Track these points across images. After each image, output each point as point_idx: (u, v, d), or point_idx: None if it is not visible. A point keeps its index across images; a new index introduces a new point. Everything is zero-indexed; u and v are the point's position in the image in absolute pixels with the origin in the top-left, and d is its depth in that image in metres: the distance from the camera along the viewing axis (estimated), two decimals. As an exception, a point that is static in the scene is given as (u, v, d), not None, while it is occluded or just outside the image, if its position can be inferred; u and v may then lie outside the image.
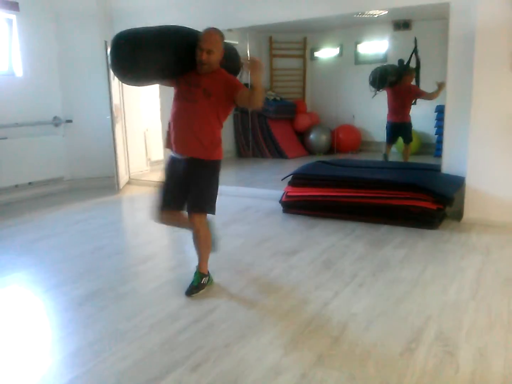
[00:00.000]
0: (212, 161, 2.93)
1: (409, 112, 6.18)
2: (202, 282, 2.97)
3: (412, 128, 6.29)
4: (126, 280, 3.24)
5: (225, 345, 2.30)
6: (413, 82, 6.41)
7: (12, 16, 5.64)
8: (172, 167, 2.97)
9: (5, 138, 5.55)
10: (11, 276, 3.35)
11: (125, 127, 6.61)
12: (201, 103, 2.82)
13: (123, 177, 6.42)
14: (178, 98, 2.90)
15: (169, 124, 2.97)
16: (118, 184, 6.20)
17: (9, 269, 3.48)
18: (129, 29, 2.72)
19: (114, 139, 6.10)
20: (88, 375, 2.10)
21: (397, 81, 6.14)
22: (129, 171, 6.80)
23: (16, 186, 5.72)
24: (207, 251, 3.02)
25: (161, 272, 3.37)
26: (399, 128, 6.22)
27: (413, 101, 6.14)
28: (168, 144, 3.02)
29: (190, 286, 2.95)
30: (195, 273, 2.99)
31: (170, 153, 2.99)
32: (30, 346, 2.39)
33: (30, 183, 5.87)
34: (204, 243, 2.97)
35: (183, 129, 2.86)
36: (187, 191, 2.88)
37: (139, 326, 2.53)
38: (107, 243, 4.02)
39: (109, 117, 5.96)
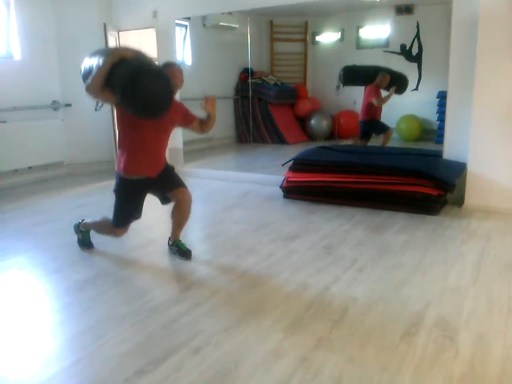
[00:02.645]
0: (167, 163, 3.27)
1: (366, 111, 6.34)
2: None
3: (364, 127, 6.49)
4: (127, 264, 3.24)
5: (225, 329, 2.31)
6: (415, 68, 6.39)
7: (10, -2, 5.58)
8: (133, 189, 3.11)
9: (4, 122, 5.52)
10: (11, 260, 3.35)
11: (124, 111, 6.57)
12: (168, 132, 3.14)
13: (123, 162, 6.40)
14: (143, 127, 2.96)
15: (128, 150, 3.02)
16: (118, 168, 6.18)
17: (9, 253, 3.48)
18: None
19: (113, 124, 6.06)
20: (89, 358, 2.10)
21: (363, 81, 6.29)
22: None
23: (16, 170, 5.70)
24: None
25: (161, 256, 3.37)
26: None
27: (372, 101, 6.22)
28: (129, 170, 3.03)
29: (186, 252, 3.26)
30: (179, 242, 3.31)
31: (126, 176, 3.05)
32: (32, 329, 2.40)
33: (29, 168, 5.85)
34: None
35: (154, 156, 3.11)
36: (144, 199, 3.23)
37: (139, 310, 2.54)
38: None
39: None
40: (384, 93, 6.29)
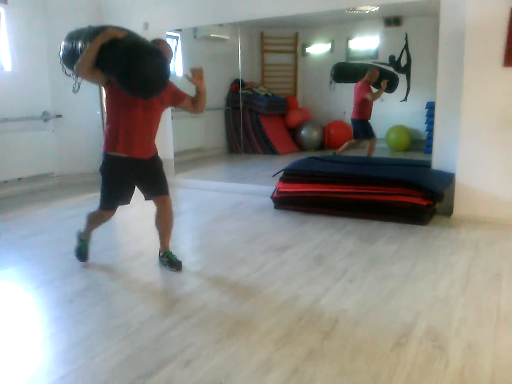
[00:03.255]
0: (157, 155, 3.21)
1: (357, 109, 6.33)
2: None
3: (360, 125, 6.49)
4: (117, 277, 3.23)
5: (216, 341, 2.30)
6: (404, 79, 6.45)
7: (0, 9, 5.58)
8: (120, 168, 3.05)
9: (-6, 133, 5.51)
10: (1, 273, 3.33)
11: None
12: (157, 111, 3.05)
13: (113, 173, 6.38)
14: (132, 105, 2.90)
15: (116, 127, 2.96)
16: (108, 179, 6.16)
17: (-1, 266, 3.46)
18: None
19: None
20: (79, 371, 2.09)
21: (354, 78, 6.33)
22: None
23: (6, 182, 5.67)
24: None
25: (151, 268, 3.36)
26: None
27: (364, 98, 6.23)
28: (116, 147, 2.98)
29: (176, 263, 3.25)
30: (169, 253, 3.30)
31: (114, 154, 3.00)
32: (21, 342, 2.37)
33: (19, 179, 5.81)
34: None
35: (142, 135, 3.02)
36: (133, 186, 3.18)
37: (130, 323, 2.52)
38: (97, 239, 3.97)
39: (99, 112, 5.93)
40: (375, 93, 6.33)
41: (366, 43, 7.55)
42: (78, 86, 3.17)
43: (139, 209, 4.84)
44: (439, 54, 4.43)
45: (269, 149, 8.30)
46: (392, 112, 6.85)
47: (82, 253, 3.43)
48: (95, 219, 3.33)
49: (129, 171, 3.07)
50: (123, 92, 2.80)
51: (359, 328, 2.41)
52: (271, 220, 4.51)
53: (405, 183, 4.23)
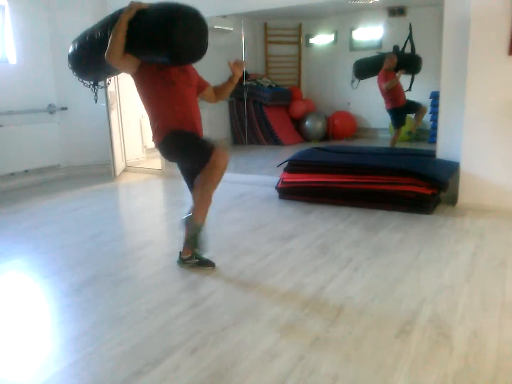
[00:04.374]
0: None
1: (388, 99, 6.26)
2: None
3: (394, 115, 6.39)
4: (124, 266, 3.26)
5: (222, 329, 2.33)
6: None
7: (4, 2, 5.58)
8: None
9: (0, 126, 5.53)
10: (8, 263, 3.36)
11: (120, 114, 6.58)
12: (194, 88, 2.97)
13: (119, 165, 6.41)
14: (175, 82, 2.79)
15: (172, 108, 2.82)
16: (114, 171, 6.19)
17: (7, 256, 3.49)
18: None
19: (109, 127, 6.08)
20: (87, 359, 2.12)
21: (375, 71, 6.28)
22: (125, 159, 6.78)
23: (12, 174, 5.71)
24: None
25: (158, 258, 3.39)
26: None
27: (387, 87, 6.17)
28: (187, 126, 2.86)
29: (209, 261, 3.11)
30: (197, 254, 3.12)
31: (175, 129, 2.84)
32: (30, 331, 2.41)
33: (26, 171, 5.86)
34: None
35: (196, 112, 2.93)
36: None
37: (137, 311, 2.55)
38: (104, 230, 4.03)
39: (104, 104, 5.94)
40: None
41: (370, 34, 7.50)
42: (97, 96, 3.22)
43: (146, 199, 4.88)
44: (443, 44, 4.40)
45: (274, 140, 8.30)
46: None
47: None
48: (207, 185, 2.96)
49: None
50: (162, 71, 2.72)
51: (364, 316, 2.43)
52: (276, 210, 4.52)
53: (409, 173, 4.23)
